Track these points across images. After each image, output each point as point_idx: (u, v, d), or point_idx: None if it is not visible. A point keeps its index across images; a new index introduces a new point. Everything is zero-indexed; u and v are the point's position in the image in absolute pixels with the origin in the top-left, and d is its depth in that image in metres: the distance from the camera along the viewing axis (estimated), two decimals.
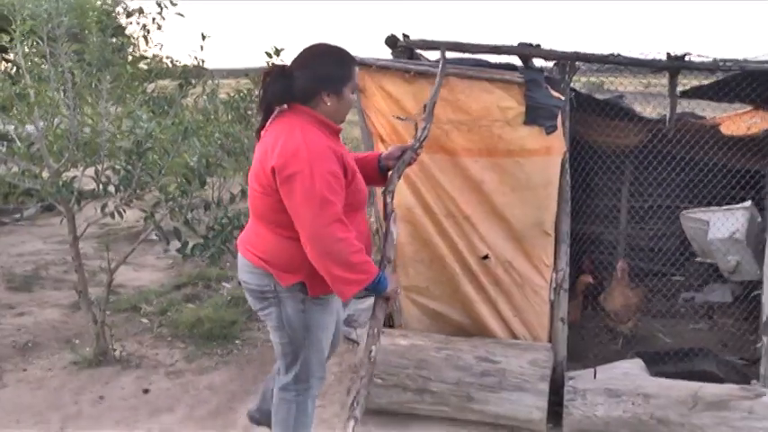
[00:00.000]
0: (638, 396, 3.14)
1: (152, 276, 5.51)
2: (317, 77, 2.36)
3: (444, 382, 3.18)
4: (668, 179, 4.68)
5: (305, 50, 2.43)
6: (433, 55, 3.56)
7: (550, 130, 3.23)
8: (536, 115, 3.21)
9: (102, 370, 3.84)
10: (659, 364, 3.87)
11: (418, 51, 3.58)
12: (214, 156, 3.45)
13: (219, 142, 3.50)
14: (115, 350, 4.00)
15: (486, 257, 3.41)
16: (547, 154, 3.28)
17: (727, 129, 4.35)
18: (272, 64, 2.41)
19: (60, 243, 6.30)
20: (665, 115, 3.79)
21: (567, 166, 3.37)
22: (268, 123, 2.43)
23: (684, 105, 5.18)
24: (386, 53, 3.50)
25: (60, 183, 3.60)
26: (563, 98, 3.27)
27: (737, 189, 4.56)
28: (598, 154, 4.42)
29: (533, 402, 3.12)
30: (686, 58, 3.24)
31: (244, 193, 3.76)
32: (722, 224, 4.14)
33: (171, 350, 4.14)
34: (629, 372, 3.31)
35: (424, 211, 3.39)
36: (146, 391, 3.63)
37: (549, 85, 3.23)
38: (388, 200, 2.65)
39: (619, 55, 3.26)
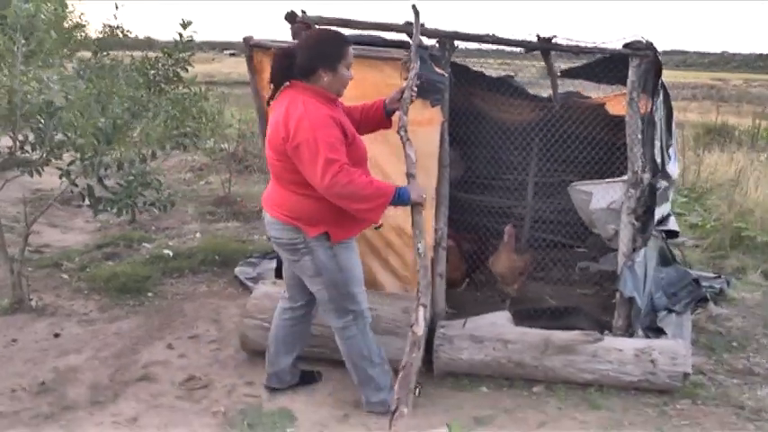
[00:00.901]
0: (498, 342, 3.51)
1: (78, 238, 5.74)
2: (315, 56, 2.81)
3: (324, 326, 3.49)
4: (571, 156, 5.03)
5: (306, 35, 2.97)
6: None
7: (436, 103, 3.53)
8: (422, 90, 3.49)
9: (17, 317, 4.10)
10: (537, 321, 4.26)
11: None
12: (121, 118, 3.70)
13: (126, 105, 3.75)
14: (32, 300, 4.24)
15: (379, 227, 3.70)
16: (429, 125, 3.58)
17: (612, 108, 4.73)
18: (279, 47, 2.87)
19: None
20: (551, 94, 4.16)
21: (446, 135, 3.70)
22: (276, 96, 2.89)
23: (585, 86, 5.58)
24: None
25: None
26: (446, 74, 3.57)
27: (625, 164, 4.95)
28: (510, 131, 4.77)
29: (403, 345, 3.43)
30: (553, 41, 3.59)
31: (154, 154, 4.04)
32: (603, 195, 4.51)
33: (86, 302, 4.40)
34: (496, 322, 3.68)
35: None
36: (56, 336, 3.89)
37: (433, 61, 3.54)
38: (402, 133, 3.05)
39: (494, 35, 3.59)
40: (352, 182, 2.72)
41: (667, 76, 4.09)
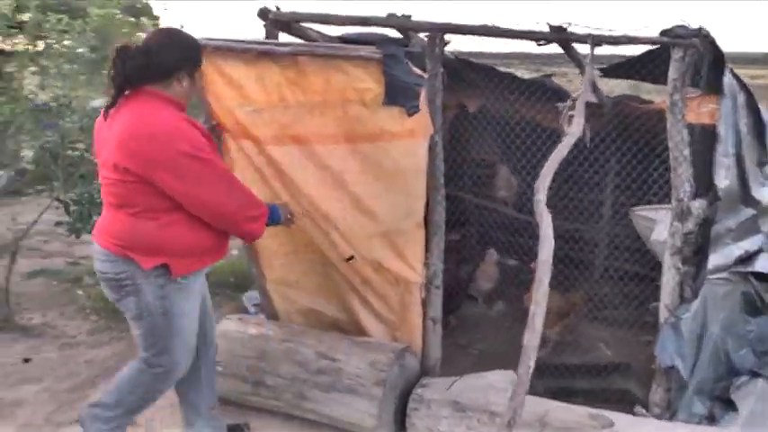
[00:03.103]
0: (484, 413, 2.78)
1: None
2: (179, 57, 2.38)
3: (280, 377, 2.97)
4: (654, 173, 4.09)
5: (160, 32, 2.48)
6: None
7: (412, 111, 2.80)
8: (396, 94, 2.81)
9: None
10: (568, 378, 3.48)
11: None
12: None
13: None
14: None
15: (350, 258, 3.10)
16: (411, 137, 2.89)
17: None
18: (128, 42, 2.37)
19: None
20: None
21: (440, 149, 3.03)
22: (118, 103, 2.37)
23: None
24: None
25: None
26: (425, 75, 2.89)
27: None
28: (581, 144, 3.97)
29: (365, 408, 2.83)
30: (568, 30, 2.81)
31: None
32: (667, 224, 3.63)
33: (83, 322, 4.15)
34: (494, 385, 2.93)
35: None
36: (26, 361, 3.64)
37: (411, 60, 2.86)
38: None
39: (495, 26, 2.88)
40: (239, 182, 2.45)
41: None
